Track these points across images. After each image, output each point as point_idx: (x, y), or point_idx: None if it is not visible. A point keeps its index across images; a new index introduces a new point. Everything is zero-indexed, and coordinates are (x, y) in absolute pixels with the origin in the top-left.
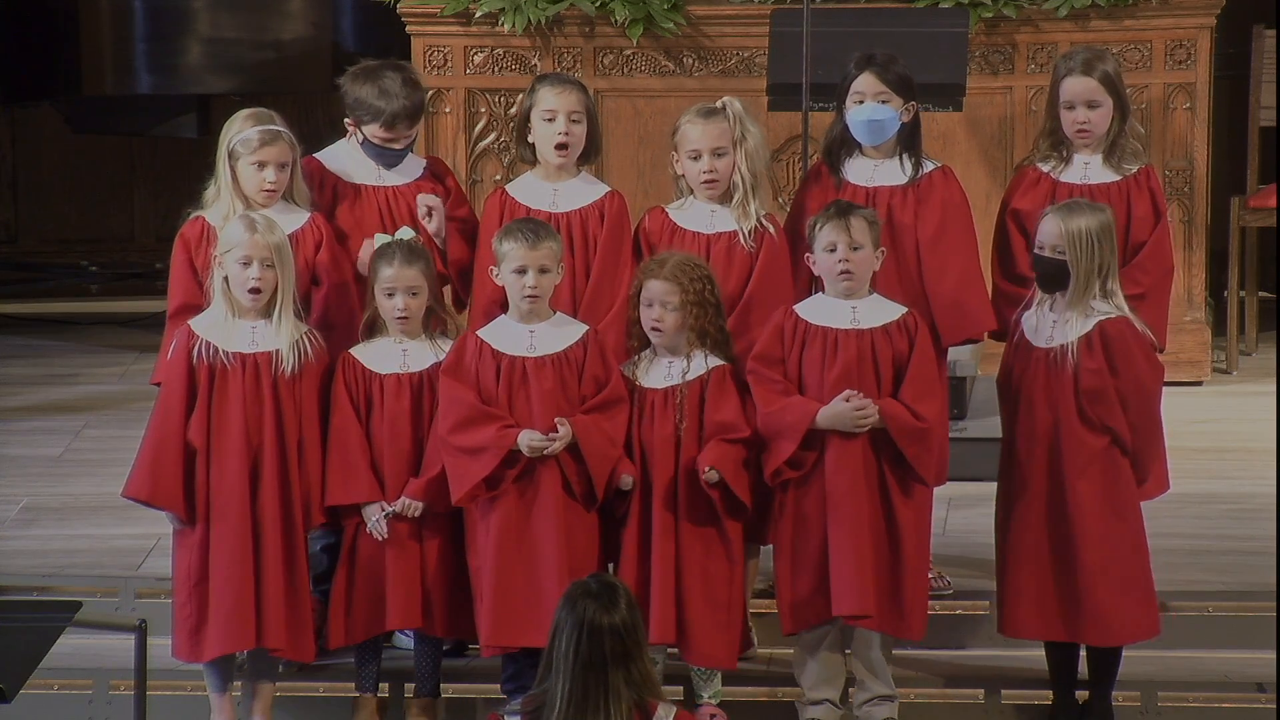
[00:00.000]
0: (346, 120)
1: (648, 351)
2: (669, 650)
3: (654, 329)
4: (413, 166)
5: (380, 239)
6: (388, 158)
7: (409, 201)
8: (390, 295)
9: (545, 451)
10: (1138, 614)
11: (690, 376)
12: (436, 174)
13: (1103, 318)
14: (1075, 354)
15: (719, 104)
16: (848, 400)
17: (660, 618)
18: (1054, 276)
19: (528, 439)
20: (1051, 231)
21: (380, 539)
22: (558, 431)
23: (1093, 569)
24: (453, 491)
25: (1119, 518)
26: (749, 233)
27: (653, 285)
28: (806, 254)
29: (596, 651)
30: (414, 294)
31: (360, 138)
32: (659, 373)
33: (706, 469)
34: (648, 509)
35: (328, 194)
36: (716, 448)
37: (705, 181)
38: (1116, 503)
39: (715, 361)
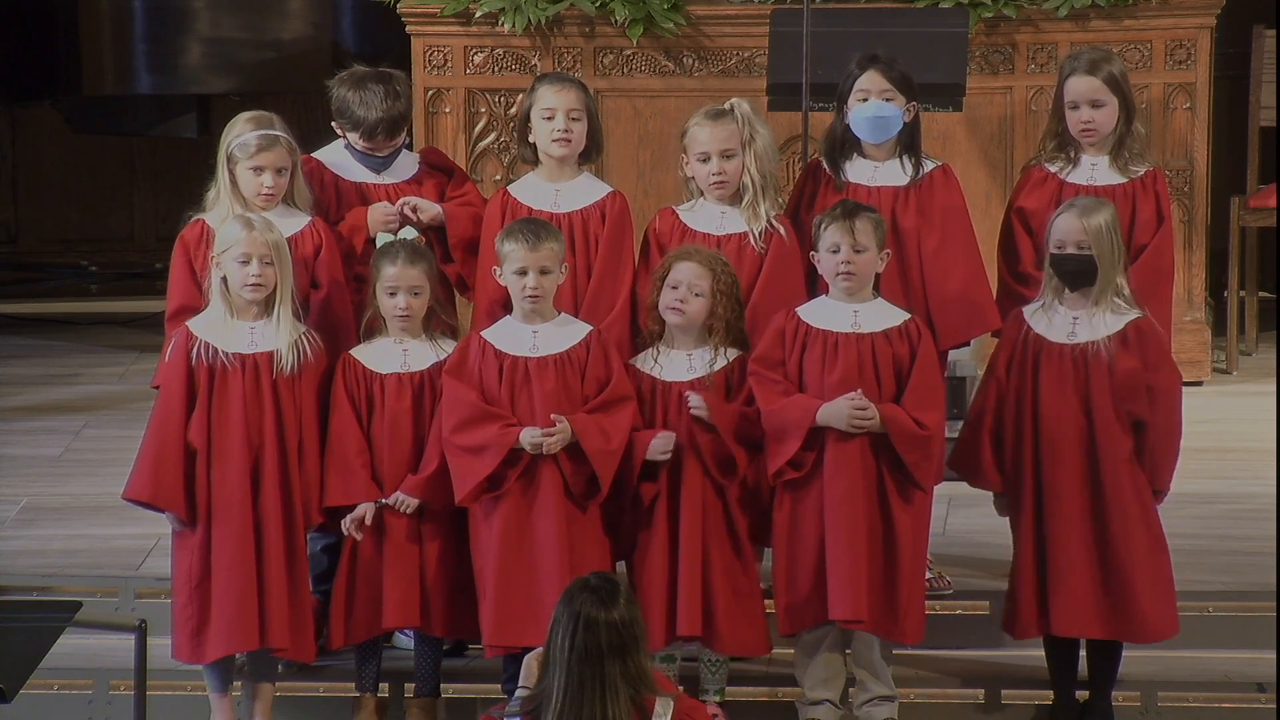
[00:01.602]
0: (334, 123)
1: (659, 345)
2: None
3: (675, 309)
4: (408, 163)
5: (383, 239)
6: (373, 163)
7: (412, 196)
8: (393, 294)
9: (544, 448)
10: (1169, 612)
11: (716, 368)
12: (433, 164)
13: (1133, 316)
14: (1110, 350)
15: (727, 106)
16: (851, 400)
17: (688, 610)
18: (1082, 273)
19: (529, 436)
20: (1073, 229)
21: (347, 534)
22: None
23: (1131, 566)
24: (456, 491)
25: (1148, 514)
26: (759, 234)
27: (685, 267)
28: (811, 251)
29: (593, 643)
30: (416, 294)
31: (345, 141)
32: (679, 366)
33: (692, 398)
34: (675, 502)
35: (329, 192)
36: (718, 401)
37: (714, 184)
38: (1145, 500)
39: (734, 352)
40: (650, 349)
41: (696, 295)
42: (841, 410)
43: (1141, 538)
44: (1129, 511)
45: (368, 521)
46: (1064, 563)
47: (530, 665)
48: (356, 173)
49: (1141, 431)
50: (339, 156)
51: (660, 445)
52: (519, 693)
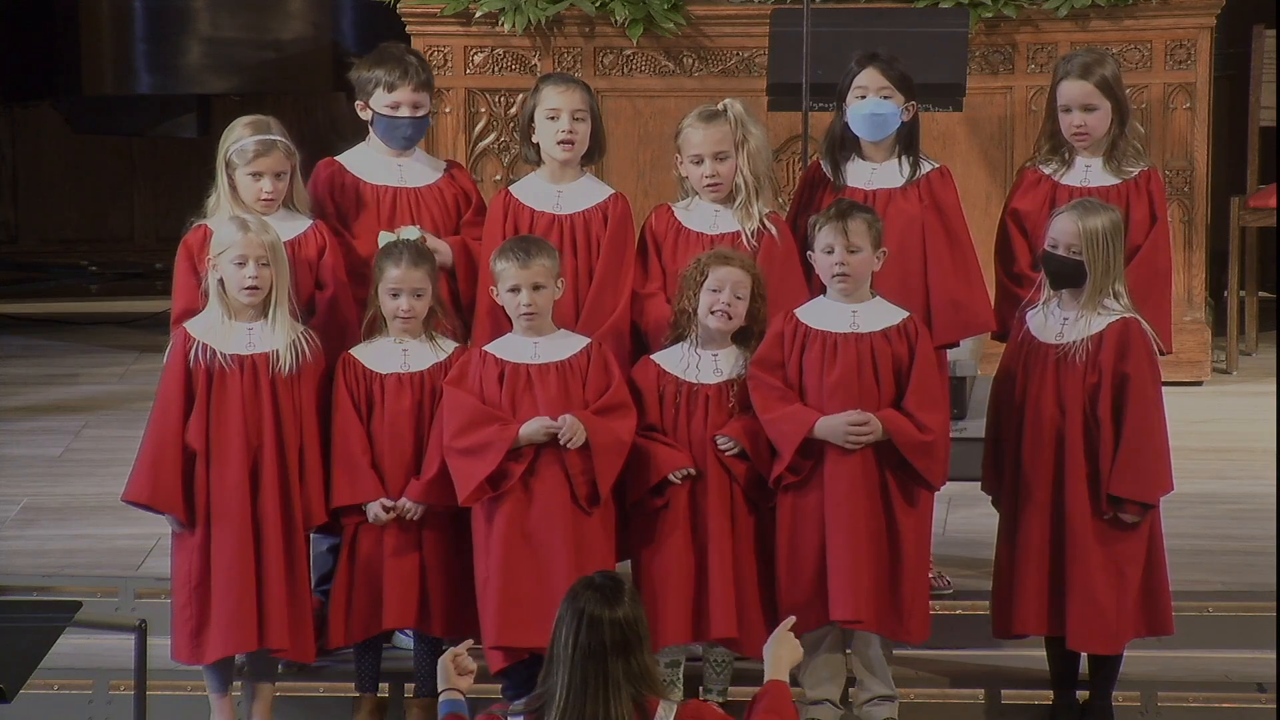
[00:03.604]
0: (357, 103)
1: (683, 346)
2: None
3: (722, 313)
4: (431, 168)
5: (385, 237)
6: (397, 133)
7: (428, 204)
8: (395, 296)
9: (565, 441)
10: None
11: (742, 370)
12: (455, 177)
13: (1115, 317)
14: (1086, 351)
15: (720, 106)
16: (848, 417)
17: (722, 614)
18: (1067, 275)
19: (536, 425)
20: (1068, 230)
21: (380, 526)
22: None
23: (1075, 577)
24: (459, 493)
25: (1103, 530)
26: (752, 234)
27: (728, 271)
28: (809, 251)
29: (596, 640)
30: (418, 295)
31: (369, 116)
32: (706, 368)
33: (724, 439)
34: (695, 501)
35: (350, 195)
36: (740, 421)
37: (708, 185)
38: (1102, 513)
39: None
40: (679, 348)
41: (738, 298)
42: (836, 427)
43: (1091, 548)
44: (1082, 519)
45: (384, 516)
46: (1023, 562)
47: (446, 665)
48: (378, 176)
49: (1120, 432)
50: (360, 159)
51: (681, 473)
52: (444, 696)
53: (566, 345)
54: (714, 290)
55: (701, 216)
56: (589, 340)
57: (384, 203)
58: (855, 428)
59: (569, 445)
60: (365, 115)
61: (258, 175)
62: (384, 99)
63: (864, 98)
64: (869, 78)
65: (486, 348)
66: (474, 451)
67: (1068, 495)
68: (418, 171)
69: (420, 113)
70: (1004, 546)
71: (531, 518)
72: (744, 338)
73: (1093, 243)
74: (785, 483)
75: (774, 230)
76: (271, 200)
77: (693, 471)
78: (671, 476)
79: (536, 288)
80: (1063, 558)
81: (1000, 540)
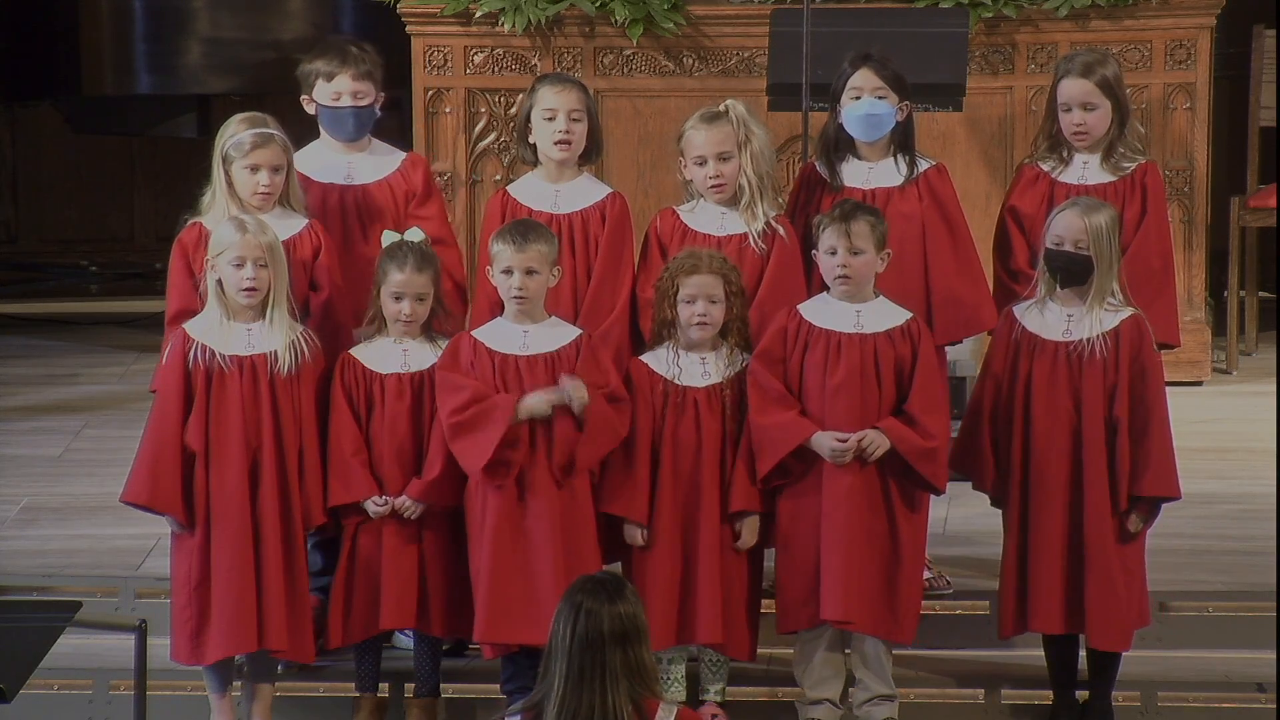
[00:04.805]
0: (303, 98)
1: (668, 348)
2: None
3: (700, 324)
4: (384, 163)
5: (389, 236)
6: (341, 125)
7: (376, 201)
8: (397, 299)
9: (570, 398)
10: (1119, 620)
11: (731, 373)
12: (407, 172)
13: (1126, 313)
14: (1104, 347)
15: (722, 107)
16: (841, 442)
17: (709, 618)
18: (1076, 271)
19: (543, 394)
20: (1076, 227)
21: (380, 524)
22: (564, 387)
23: (1093, 570)
24: (474, 467)
25: (1121, 523)
26: (758, 234)
27: (697, 280)
28: (813, 250)
29: (594, 630)
30: (420, 300)
31: (314, 110)
32: (694, 370)
33: (740, 529)
34: (689, 509)
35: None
36: (744, 489)
37: (712, 186)
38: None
39: (746, 357)
40: (664, 349)
41: (714, 303)
42: (826, 445)
43: (1111, 546)
44: (1103, 516)
45: (381, 510)
46: (1040, 559)
47: None
48: (325, 172)
49: (1137, 429)
50: (311, 156)
51: (641, 534)
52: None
53: (556, 335)
54: (688, 301)
55: (708, 218)
56: (579, 332)
57: (330, 200)
58: (839, 445)
59: (572, 400)
60: (311, 109)
61: (255, 168)
62: (325, 90)
63: (859, 98)
64: (863, 78)
65: (475, 333)
66: (478, 419)
67: (1087, 492)
68: (368, 167)
69: (364, 102)
70: (1014, 545)
71: (521, 514)
72: (724, 332)
73: (1099, 238)
74: (774, 484)
75: (782, 231)
76: (268, 194)
77: (646, 534)
78: (632, 538)
79: (530, 272)
80: (1079, 555)
81: (1009, 539)
